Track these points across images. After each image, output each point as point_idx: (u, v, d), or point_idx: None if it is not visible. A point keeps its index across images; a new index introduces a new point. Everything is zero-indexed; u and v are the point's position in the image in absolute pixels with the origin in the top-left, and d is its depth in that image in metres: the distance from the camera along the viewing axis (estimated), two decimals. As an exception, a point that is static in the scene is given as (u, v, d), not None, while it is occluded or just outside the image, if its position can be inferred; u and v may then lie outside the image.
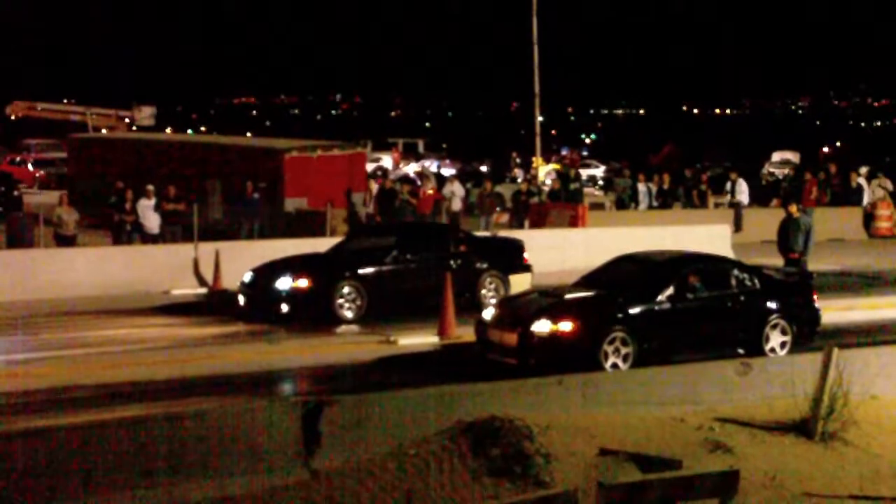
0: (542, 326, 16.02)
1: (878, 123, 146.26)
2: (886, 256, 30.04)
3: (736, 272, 17.58)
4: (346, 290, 20.18)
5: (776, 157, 65.27)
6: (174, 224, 27.54)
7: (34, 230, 26.98)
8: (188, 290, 23.37)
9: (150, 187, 27.74)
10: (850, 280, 26.07)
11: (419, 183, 37.50)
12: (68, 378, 15.95)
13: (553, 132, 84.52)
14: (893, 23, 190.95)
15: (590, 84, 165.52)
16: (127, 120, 57.47)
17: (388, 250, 20.84)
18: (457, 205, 32.74)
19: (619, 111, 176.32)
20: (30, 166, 53.12)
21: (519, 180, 40.72)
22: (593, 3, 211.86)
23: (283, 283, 20.16)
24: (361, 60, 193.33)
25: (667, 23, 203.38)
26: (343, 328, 19.87)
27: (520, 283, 21.29)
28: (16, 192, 38.61)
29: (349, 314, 20.14)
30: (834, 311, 20.28)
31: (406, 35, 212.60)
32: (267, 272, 20.58)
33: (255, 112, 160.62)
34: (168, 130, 70.39)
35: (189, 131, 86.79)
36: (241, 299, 20.77)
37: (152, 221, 27.28)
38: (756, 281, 17.54)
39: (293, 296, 20.08)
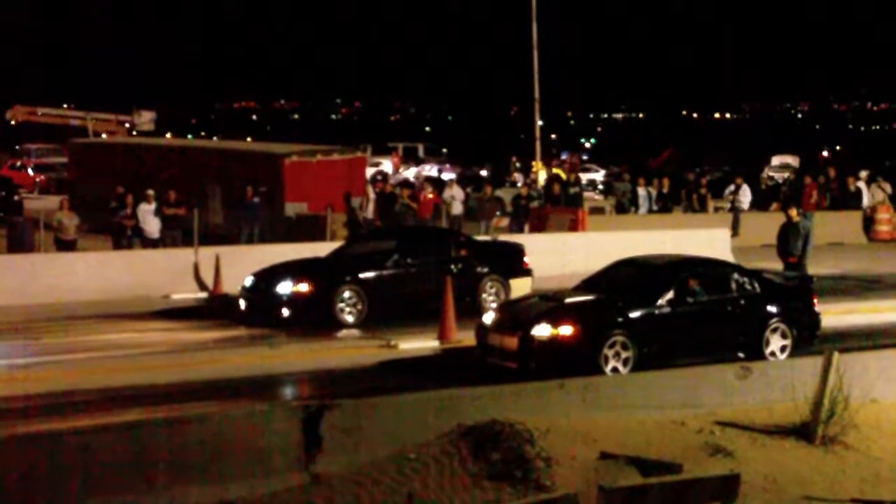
0: (542, 330, 16.02)
1: (877, 127, 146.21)
2: (886, 260, 30.06)
3: (736, 276, 17.57)
4: (346, 294, 20.18)
5: (776, 161, 65.22)
6: (174, 229, 27.49)
7: (35, 235, 27.01)
8: (189, 294, 23.37)
9: (151, 192, 27.71)
10: (850, 284, 26.07)
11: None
12: (69, 383, 15.94)
13: (553, 136, 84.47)
14: (893, 25, 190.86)
15: (590, 88, 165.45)
16: (127, 125, 57.52)
17: (388, 254, 20.85)
18: (457, 209, 32.69)
19: (619, 115, 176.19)
20: (30, 171, 53.30)
21: (519, 184, 40.67)
22: (593, 5, 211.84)
23: (284, 288, 20.15)
24: (361, 61, 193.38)
25: (666, 28, 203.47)
26: (344, 332, 19.87)
27: (520, 287, 21.32)
28: (16, 197, 38.65)
29: (350, 318, 20.14)
30: (834, 314, 20.32)
31: (406, 35, 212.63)
32: (268, 276, 20.58)
33: (255, 116, 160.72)
34: (168, 135, 70.51)
35: (189, 136, 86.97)
36: (242, 303, 20.78)
37: (153, 226, 27.25)
38: (756, 285, 17.53)
39: (294, 300, 20.08)
